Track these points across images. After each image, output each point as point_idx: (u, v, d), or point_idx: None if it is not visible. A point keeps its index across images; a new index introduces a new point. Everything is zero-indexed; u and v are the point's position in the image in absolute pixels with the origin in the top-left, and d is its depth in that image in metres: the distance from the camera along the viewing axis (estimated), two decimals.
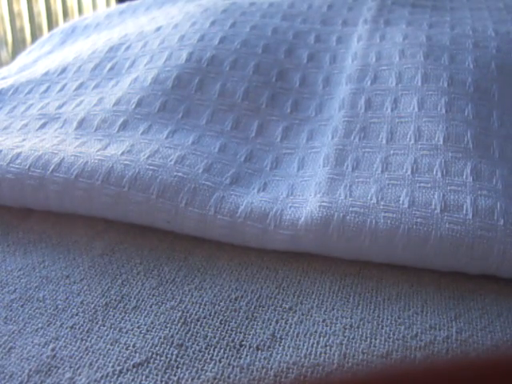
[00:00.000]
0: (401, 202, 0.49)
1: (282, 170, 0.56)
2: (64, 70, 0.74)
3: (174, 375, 0.40)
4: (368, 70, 0.67)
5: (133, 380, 0.40)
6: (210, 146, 0.57)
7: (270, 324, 0.44)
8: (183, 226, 0.51)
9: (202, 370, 0.40)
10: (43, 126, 0.63)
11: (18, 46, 1.59)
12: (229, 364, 0.41)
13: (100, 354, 0.41)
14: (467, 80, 0.62)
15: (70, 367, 0.41)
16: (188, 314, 0.45)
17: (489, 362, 0.24)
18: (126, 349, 0.42)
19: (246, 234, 0.50)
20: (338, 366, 0.40)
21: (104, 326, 0.44)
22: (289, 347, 0.42)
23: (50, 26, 1.65)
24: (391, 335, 0.43)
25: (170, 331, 0.43)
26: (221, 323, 0.44)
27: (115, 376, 0.40)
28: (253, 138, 0.60)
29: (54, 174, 0.54)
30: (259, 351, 0.42)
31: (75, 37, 0.91)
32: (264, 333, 0.43)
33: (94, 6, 1.81)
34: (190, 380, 0.40)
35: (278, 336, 0.43)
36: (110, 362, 0.41)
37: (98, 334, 0.43)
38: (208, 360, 0.41)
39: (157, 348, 0.42)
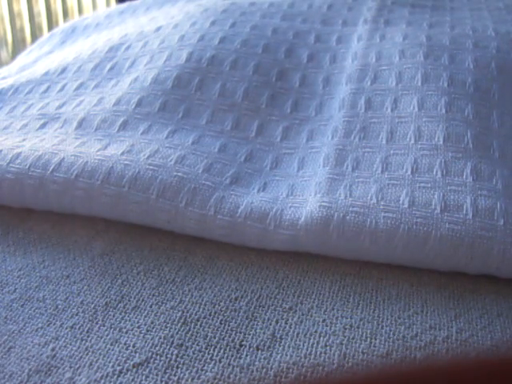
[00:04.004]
0: (401, 202, 0.49)
1: (282, 170, 0.56)
2: (64, 70, 0.74)
3: (174, 375, 0.40)
4: (368, 69, 0.67)
5: (133, 380, 0.40)
6: (210, 146, 0.57)
7: (270, 324, 0.44)
8: (183, 225, 0.51)
9: (202, 369, 0.40)
10: (43, 125, 0.63)
11: (18, 45, 1.59)
12: (229, 364, 0.41)
13: (100, 354, 0.41)
14: (467, 80, 0.62)
15: (70, 367, 0.41)
16: (188, 314, 0.45)
17: (489, 362, 0.24)
18: (126, 349, 0.42)
19: (246, 234, 0.50)
20: (338, 366, 0.40)
21: (104, 325, 0.44)
22: (289, 347, 0.42)
23: (50, 26, 1.65)
24: (391, 335, 0.43)
25: (169, 331, 0.43)
26: (221, 323, 0.44)
27: (115, 376, 0.40)
28: (253, 138, 0.60)
29: (54, 173, 0.54)
30: (259, 351, 0.42)
31: (75, 37, 0.91)
32: (264, 333, 0.43)
33: (94, 6, 1.81)
34: (189, 380, 0.40)
35: (278, 336, 0.43)
36: (110, 362, 0.41)
37: (98, 334, 0.43)
38: (208, 360, 0.41)
39: (157, 348, 0.42)
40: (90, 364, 0.41)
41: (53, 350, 0.42)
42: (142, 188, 0.52)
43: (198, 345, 0.42)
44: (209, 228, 0.50)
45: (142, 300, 0.46)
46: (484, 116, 0.58)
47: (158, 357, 0.41)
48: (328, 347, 0.42)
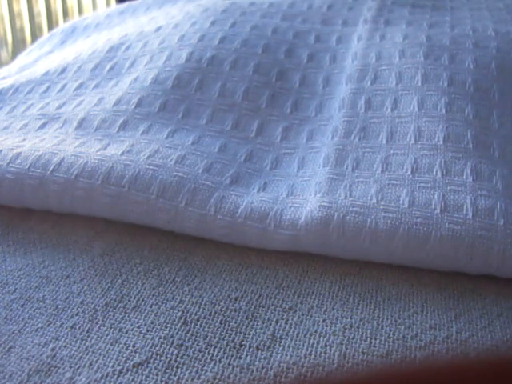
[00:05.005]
0: (401, 202, 0.49)
1: (281, 170, 0.56)
2: (64, 70, 0.74)
3: (174, 375, 0.40)
4: (368, 69, 0.67)
5: (133, 380, 0.40)
6: (210, 146, 0.57)
7: (270, 324, 0.44)
8: (183, 225, 0.51)
9: (201, 370, 0.40)
10: (43, 125, 0.63)
11: (18, 46, 1.59)
12: (229, 364, 0.41)
13: (100, 354, 0.41)
14: (467, 80, 0.62)
15: (70, 367, 0.41)
16: (188, 314, 0.45)
17: (489, 361, 0.24)
18: (126, 349, 0.42)
19: (246, 233, 0.50)
20: (338, 366, 0.40)
21: (104, 325, 0.44)
22: (289, 347, 0.42)
23: (50, 26, 1.65)
24: (391, 335, 0.43)
25: (169, 331, 0.43)
26: (221, 323, 0.44)
27: (115, 376, 0.40)
28: (253, 138, 0.60)
29: (54, 173, 0.54)
30: (259, 351, 0.42)
31: (75, 37, 0.91)
32: (264, 333, 0.43)
33: (94, 6, 1.81)
34: (189, 380, 0.40)
35: (278, 336, 0.43)
36: (110, 362, 0.41)
37: (98, 334, 0.43)
38: (208, 360, 0.41)
39: (157, 348, 0.42)
40: (90, 364, 0.41)
41: (53, 349, 0.42)
42: (142, 188, 0.52)
43: (198, 345, 0.42)
44: (209, 228, 0.50)
45: (142, 300, 0.46)
46: (484, 116, 0.58)
47: (158, 357, 0.41)
48: (328, 347, 0.42)
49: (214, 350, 0.42)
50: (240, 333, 0.43)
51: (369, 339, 0.42)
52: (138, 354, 0.41)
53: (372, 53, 0.70)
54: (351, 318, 0.44)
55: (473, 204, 0.48)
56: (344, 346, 0.42)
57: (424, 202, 0.49)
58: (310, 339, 0.43)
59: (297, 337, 0.43)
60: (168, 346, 0.42)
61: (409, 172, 0.52)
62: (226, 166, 0.55)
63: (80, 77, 0.71)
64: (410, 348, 0.42)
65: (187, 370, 0.40)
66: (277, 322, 0.44)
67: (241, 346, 0.42)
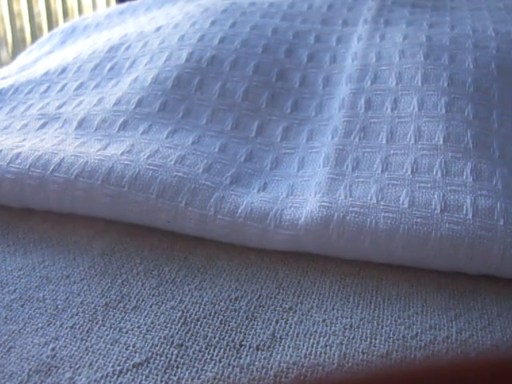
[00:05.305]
0: (401, 202, 0.49)
1: (281, 170, 0.56)
2: (64, 70, 0.74)
3: (174, 375, 0.40)
4: (368, 69, 0.67)
5: (133, 380, 0.40)
6: (210, 146, 0.57)
7: (270, 324, 0.44)
8: (183, 225, 0.51)
9: (202, 370, 0.40)
10: (43, 125, 0.63)
11: (18, 46, 1.59)
12: (229, 364, 0.41)
13: (100, 354, 0.41)
14: (467, 80, 0.62)
15: (70, 367, 0.41)
16: (188, 314, 0.45)
17: (489, 361, 0.24)
18: (126, 349, 0.42)
19: (246, 234, 0.50)
20: (338, 366, 0.40)
21: (104, 325, 0.44)
22: (289, 347, 0.42)
23: (50, 26, 1.65)
24: (391, 335, 0.43)
25: (169, 331, 0.43)
26: (221, 323, 0.44)
27: (115, 376, 0.40)
28: (253, 138, 0.60)
29: (54, 173, 0.54)
30: (259, 351, 0.42)
31: (75, 37, 0.91)
32: (264, 333, 0.43)
33: (94, 6, 1.81)
34: (189, 380, 0.40)
35: (278, 336, 0.43)
36: (110, 362, 0.41)
37: (98, 334, 0.43)
38: (208, 360, 0.41)
39: (157, 348, 0.42)
40: (90, 364, 0.41)
41: (53, 349, 0.42)
42: (142, 188, 0.52)
43: (198, 345, 0.42)
44: (209, 228, 0.50)
45: (142, 300, 0.46)
46: (484, 116, 0.58)
47: (158, 357, 0.41)
48: (328, 347, 0.42)
49: (214, 350, 0.42)
50: (240, 333, 0.43)
51: (369, 339, 0.42)
52: (137, 354, 0.41)
53: (372, 53, 0.70)
54: (351, 318, 0.44)
55: (473, 204, 0.48)
56: (344, 346, 0.42)
57: (424, 201, 0.49)
58: (310, 339, 0.43)
59: (297, 337, 0.43)
60: (168, 346, 0.42)
61: (409, 172, 0.52)
62: (225, 165, 0.55)
63: (80, 77, 0.71)
64: (410, 348, 0.42)
65: (187, 370, 0.40)
66: (277, 321, 0.44)
67: (241, 345, 0.42)
